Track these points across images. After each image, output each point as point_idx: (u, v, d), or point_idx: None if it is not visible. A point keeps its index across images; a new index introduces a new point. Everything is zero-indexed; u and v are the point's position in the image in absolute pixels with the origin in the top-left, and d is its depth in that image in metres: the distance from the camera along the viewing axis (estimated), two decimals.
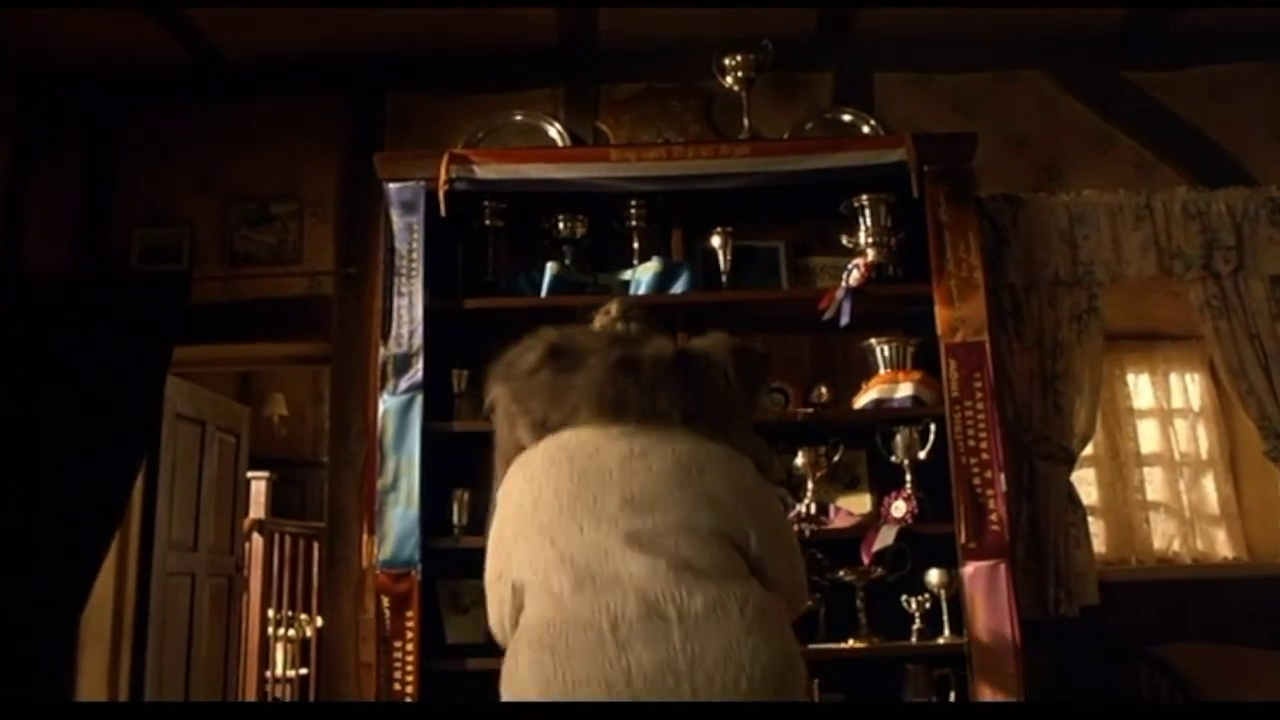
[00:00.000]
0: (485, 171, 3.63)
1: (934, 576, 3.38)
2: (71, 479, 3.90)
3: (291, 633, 6.47)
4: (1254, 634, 3.85)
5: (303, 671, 6.47)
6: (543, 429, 2.00)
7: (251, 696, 5.99)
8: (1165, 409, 5.01)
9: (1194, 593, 4.14)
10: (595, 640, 1.70)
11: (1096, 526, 4.61)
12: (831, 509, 3.58)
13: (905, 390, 3.57)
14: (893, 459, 3.57)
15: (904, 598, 3.41)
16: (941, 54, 4.25)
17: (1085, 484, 4.57)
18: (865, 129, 4.16)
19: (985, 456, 3.38)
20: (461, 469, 3.51)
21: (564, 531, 1.83)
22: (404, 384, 3.47)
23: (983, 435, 3.40)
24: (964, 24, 4.16)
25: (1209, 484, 4.89)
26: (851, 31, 4.25)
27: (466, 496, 3.51)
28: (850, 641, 3.40)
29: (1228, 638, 3.86)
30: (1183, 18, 4.16)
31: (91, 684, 4.26)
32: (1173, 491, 4.87)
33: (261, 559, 6.24)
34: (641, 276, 3.71)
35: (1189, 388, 5.04)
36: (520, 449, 2.03)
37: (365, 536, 3.63)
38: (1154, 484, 4.89)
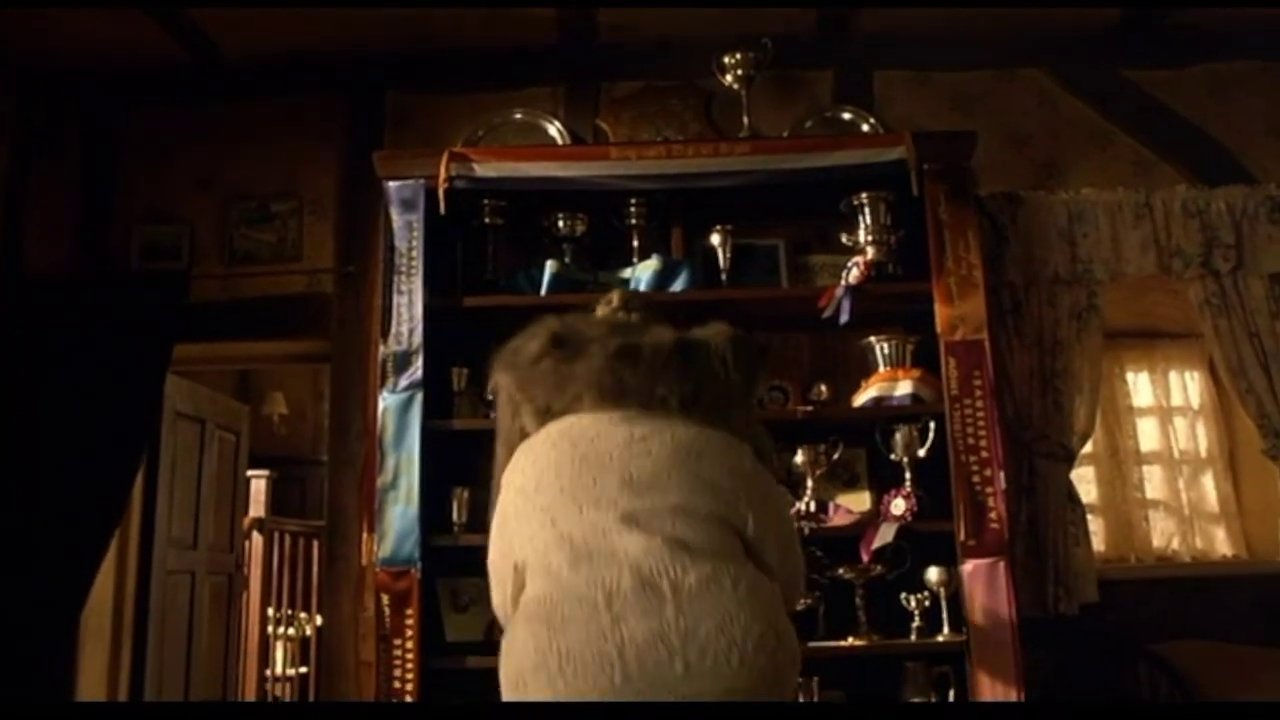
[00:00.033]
0: (485, 170, 3.63)
1: (933, 574, 3.39)
2: (71, 477, 3.90)
3: (291, 631, 6.47)
4: (1253, 632, 3.86)
5: (302, 670, 6.47)
6: (546, 416, 2.04)
7: (251, 695, 6.00)
8: (1164, 407, 5.02)
9: (1193, 591, 4.15)
10: (589, 613, 1.73)
11: (1096, 524, 4.62)
12: (831, 507, 3.59)
13: (905, 388, 3.57)
14: (892, 457, 3.57)
15: (903, 595, 3.41)
16: (941, 52, 4.25)
17: (1085, 482, 4.58)
18: (865, 127, 4.16)
19: (985, 454, 3.38)
20: (461, 467, 3.51)
21: (564, 512, 1.86)
22: (404, 382, 3.47)
23: (982, 433, 3.40)
24: (964, 22, 4.16)
25: (1208, 482, 4.90)
26: (851, 30, 4.25)
27: (466, 494, 3.50)
28: (850, 639, 3.41)
29: (1227, 636, 3.86)
30: (1182, 16, 4.16)
31: (91, 682, 4.26)
32: (1172, 489, 4.88)
33: (261, 557, 6.24)
34: (641, 274, 3.71)
35: (1188, 386, 5.05)
36: (524, 436, 2.06)
37: (365, 534, 3.63)
38: (1153, 482, 4.90)
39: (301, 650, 6.48)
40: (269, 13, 3.98)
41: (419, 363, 3.49)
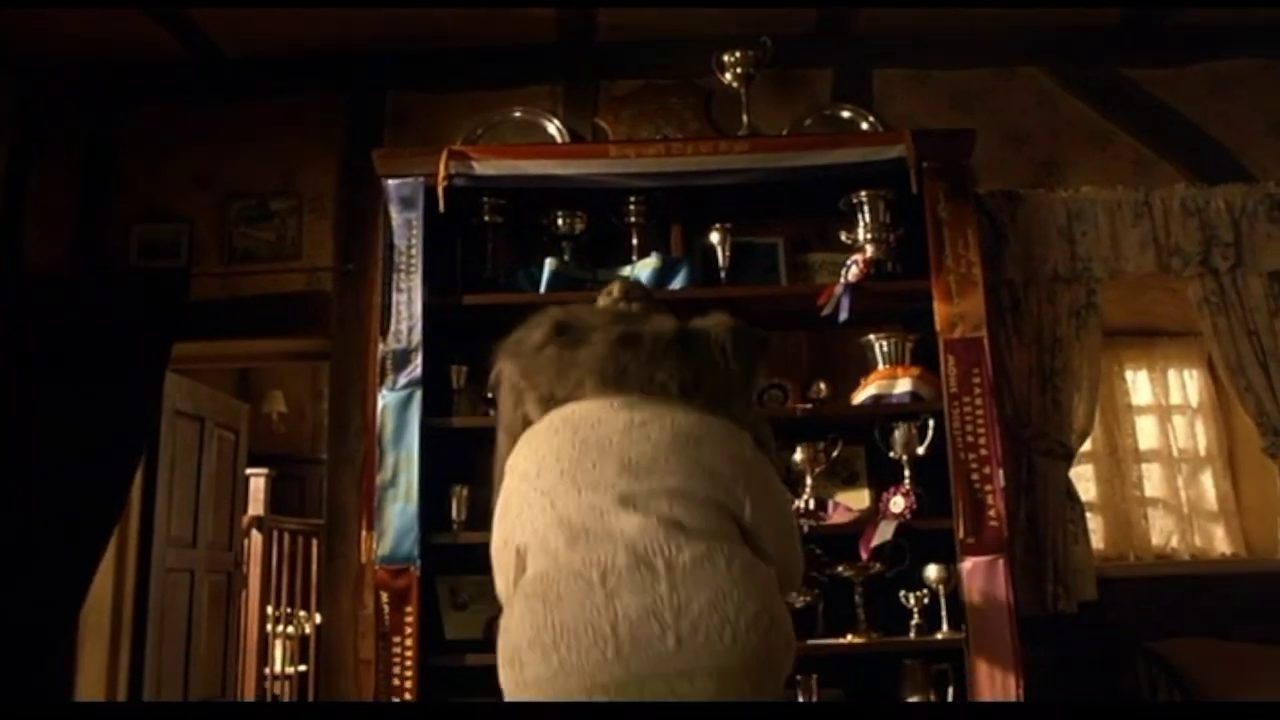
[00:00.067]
0: (484, 167, 3.63)
1: (932, 572, 3.39)
2: (70, 475, 3.90)
3: (290, 630, 6.47)
4: (1252, 630, 3.86)
5: (301, 668, 6.47)
6: (549, 403, 2.07)
7: (250, 693, 5.99)
8: (1164, 405, 5.02)
9: (1192, 589, 4.15)
10: (584, 589, 1.76)
11: (1095, 522, 4.62)
12: (830, 504, 3.59)
13: (904, 386, 3.57)
14: (891, 455, 3.57)
15: (902, 593, 3.41)
16: (940, 50, 4.26)
17: (1084, 480, 4.58)
18: (864, 125, 4.16)
19: (984, 452, 3.38)
20: (460, 464, 3.50)
21: (563, 495, 1.89)
22: (403, 380, 3.47)
23: (981, 431, 3.40)
24: (963, 21, 4.16)
25: (1207, 480, 4.90)
26: (851, 28, 4.25)
27: (465, 492, 3.50)
28: (849, 637, 3.41)
29: (1226, 633, 3.86)
30: (1182, 14, 4.16)
31: (90, 680, 4.26)
32: (1171, 487, 4.88)
33: (260, 556, 6.24)
34: (640, 272, 3.71)
35: (1187, 384, 5.05)
36: (526, 424, 2.09)
37: (364, 532, 3.64)
38: (1152, 480, 4.90)
39: (301, 648, 6.48)
40: (269, 11, 3.99)
41: (418, 360, 3.49)
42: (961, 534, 3.32)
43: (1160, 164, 4.19)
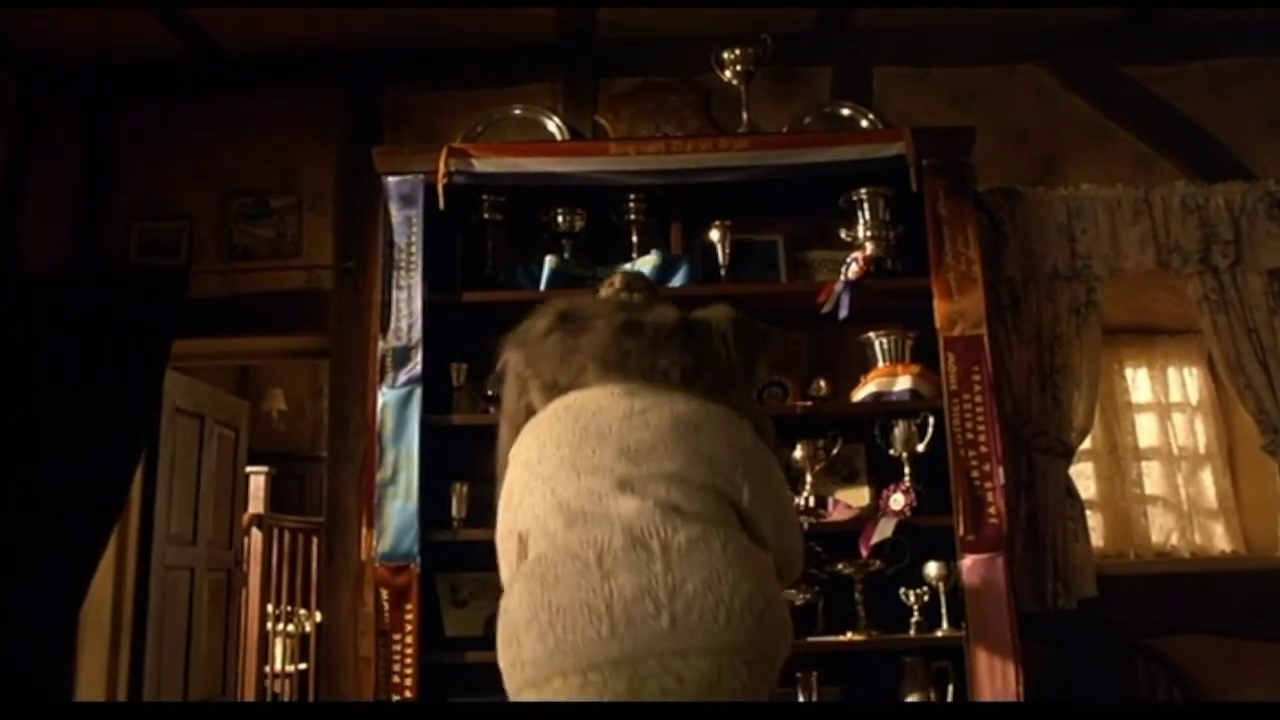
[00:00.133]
0: (484, 165, 3.63)
1: (932, 569, 3.39)
2: (70, 472, 3.89)
3: (290, 628, 6.47)
4: (1251, 627, 3.85)
5: (301, 666, 6.47)
6: (552, 391, 2.10)
7: (250, 691, 5.99)
8: (1163, 403, 5.01)
9: (1192, 586, 4.14)
10: (581, 569, 1.78)
11: (1094, 520, 4.61)
12: (830, 502, 3.59)
13: (904, 383, 3.57)
14: (891, 452, 3.58)
15: (902, 591, 3.42)
16: (940, 48, 4.26)
17: (1083, 477, 4.57)
18: (864, 123, 4.16)
19: (984, 450, 3.39)
20: (460, 462, 3.51)
21: (563, 480, 1.92)
22: (403, 377, 3.47)
23: (981, 428, 3.40)
24: (962, 19, 4.16)
25: (1207, 478, 4.89)
26: (850, 26, 4.25)
27: (465, 489, 3.51)
28: (848, 634, 3.41)
29: (1225, 631, 3.86)
30: (1181, 12, 4.16)
31: (90, 678, 4.26)
32: (1170, 485, 4.87)
33: (260, 554, 6.24)
34: (640, 269, 3.71)
35: (1187, 382, 5.04)
36: (530, 413, 2.12)
37: (364, 530, 3.63)
38: (1152, 478, 4.89)
39: (301, 646, 6.48)
40: (268, 8, 3.97)
41: (418, 358, 3.49)
42: (961, 531, 3.32)
43: (1160, 161, 4.19)
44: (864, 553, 3.41)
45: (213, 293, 4.17)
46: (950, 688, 3.37)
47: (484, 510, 3.40)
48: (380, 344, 3.52)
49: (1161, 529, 4.82)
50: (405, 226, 3.59)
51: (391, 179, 3.64)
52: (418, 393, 3.46)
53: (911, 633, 3.41)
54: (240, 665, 5.79)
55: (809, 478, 3.56)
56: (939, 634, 3.39)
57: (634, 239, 3.86)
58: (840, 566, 3.44)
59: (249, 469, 5.85)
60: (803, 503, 3.50)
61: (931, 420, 3.51)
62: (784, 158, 3.64)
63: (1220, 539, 4.80)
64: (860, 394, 3.64)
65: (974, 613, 3.26)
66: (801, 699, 3.34)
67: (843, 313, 3.56)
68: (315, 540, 6.41)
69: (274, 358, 6.07)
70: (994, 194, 3.99)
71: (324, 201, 4.25)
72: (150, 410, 4.29)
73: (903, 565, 3.48)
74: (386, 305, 3.54)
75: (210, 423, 4.98)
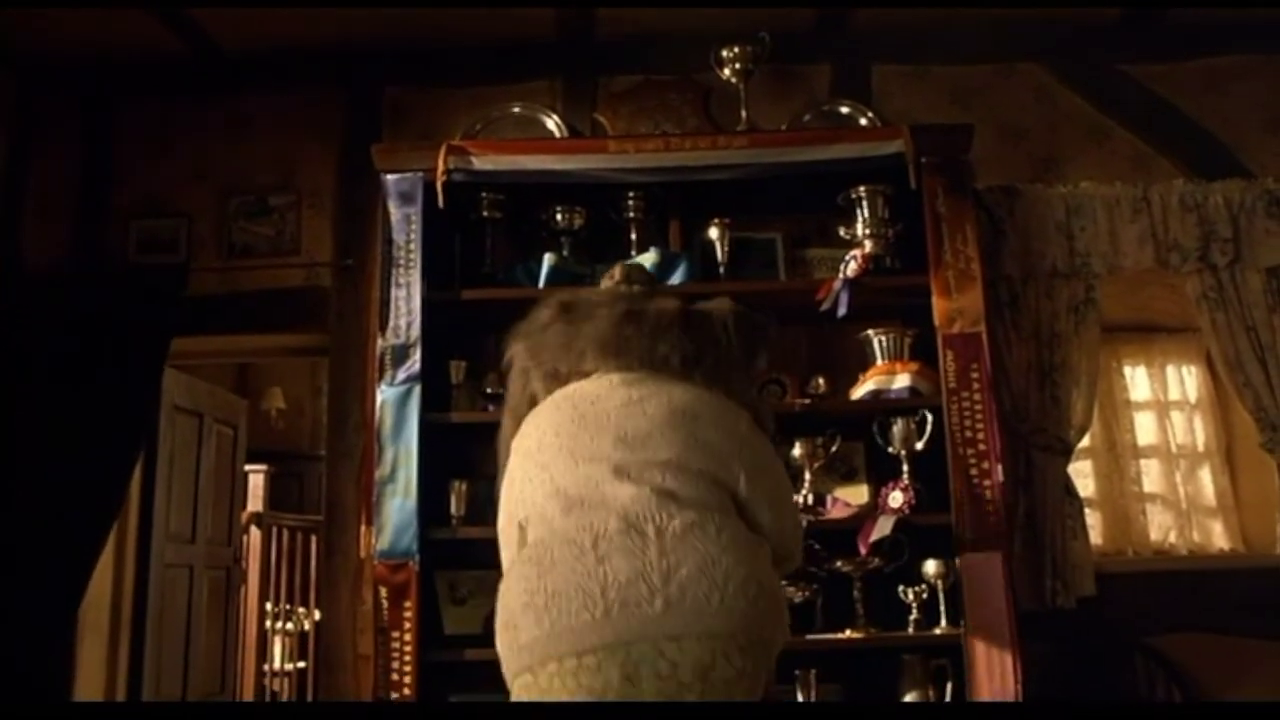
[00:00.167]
0: (483, 163, 3.63)
1: (931, 567, 3.39)
2: (69, 470, 3.90)
3: (289, 626, 6.47)
4: (1250, 625, 3.85)
5: (300, 665, 6.47)
6: (553, 380, 2.13)
7: (249, 689, 6.00)
8: (1162, 401, 5.02)
9: (1190, 584, 4.14)
10: (577, 554, 1.80)
11: (1093, 518, 4.62)
12: (829, 500, 3.59)
13: (902, 381, 3.57)
14: (890, 450, 3.58)
15: (901, 588, 3.42)
16: (939, 46, 4.26)
17: (1082, 475, 4.57)
18: (863, 121, 4.16)
19: (982, 447, 3.39)
20: (459, 460, 3.51)
21: (561, 467, 1.94)
22: (402, 375, 3.47)
23: (980, 426, 3.40)
24: (961, 17, 4.16)
25: (1205, 476, 4.90)
26: (849, 24, 4.24)
27: (464, 487, 3.51)
28: (847, 632, 3.41)
29: (1224, 629, 3.86)
30: (1180, 11, 4.16)
31: (89, 676, 4.26)
32: (1169, 483, 4.88)
33: (259, 552, 6.24)
34: (640, 263, 3.70)
35: (1186, 380, 5.05)
36: (533, 403, 2.14)
37: (363, 527, 3.63)
38: (1150, 476, 4.90)
39: (300, 645, 6.49)
40: (268, 8, 3.97)
41: (417, 356, 3.49)
42: (960, 529, 3.32)
43: (1158, 159, 4.20)
44: (863, 550, 3.40)
45: (212, 291, 4.18)
46: (949, 686, 3.37)
47: (483, 508, 3.42)
48: (379, 342, 3.52)
49: (1160, 527, 4.83)
50: (404, 224, 3.59)
51: (390, 177, 3.64)
52: (416, 390, 3.46)
53: (910, 630, 3.41)
54: (239, 663, 5.79)
55: (808, 475, 3.56)
56: (938, 632, 3.39)
57: (633, 237, 3.86)
58: (839, 564, 3.44)
59: (248, 467, 5.85)
60: (801, 501, 3.50)
61: (930, 418, 3.51)
62: (783, 155, 3.65)
63: (1219, 537, 4.81)
64: (859, 392, 3.65)
65: (973, 610, 3.26)
66: (800, 697, 3.34)
67: (841, 310, 3.56)
68: (314, 538, 6.41)
69: (273, 356, 6.07)
70: (993, 192, 3.99)
71: (323, 199, 4.25)
72: (149, 408, 4.30)
73: (901, 563, 3.48)
74: (385, 303, 3.54)
75: (209, 421, 4.98)
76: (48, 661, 3.99)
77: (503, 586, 1.89)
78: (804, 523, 3.35)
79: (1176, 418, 5.00)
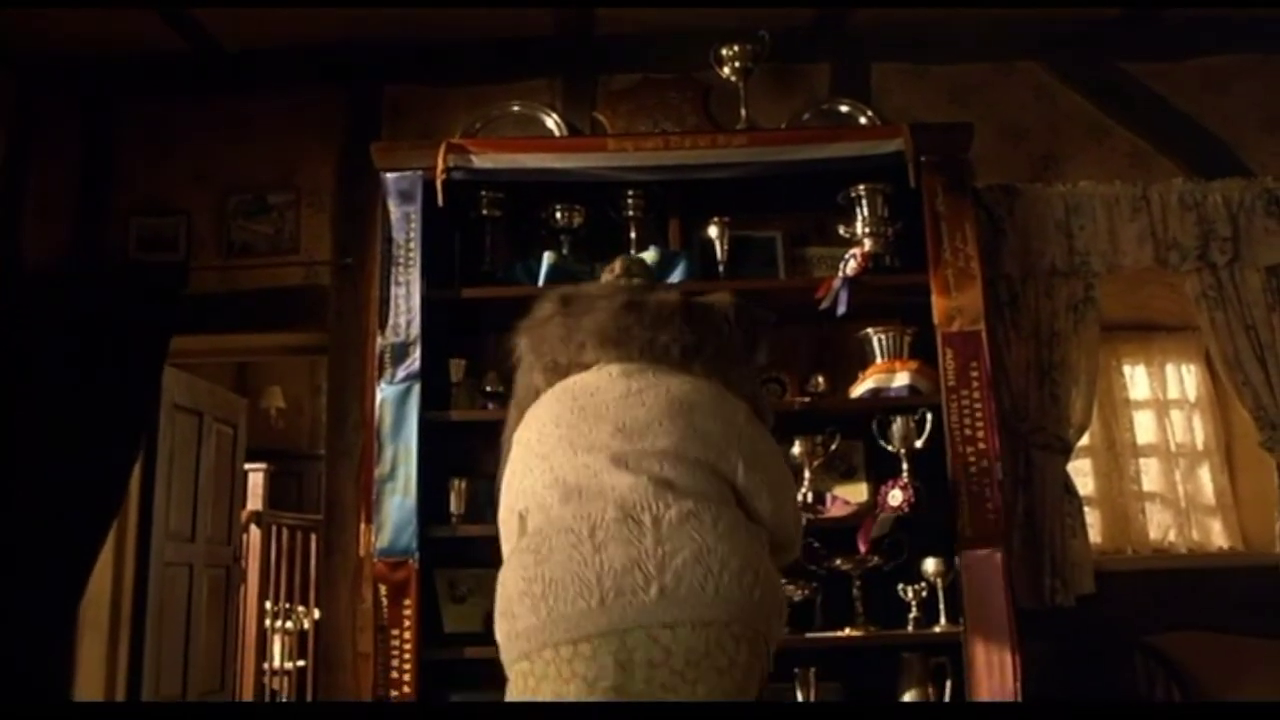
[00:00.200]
0: (482, 161, 3.63)
1: (930, 565, 3.39)
2: (69, 469, 3.90)
3: (289, 624, 6.47)
4: (1249, 623, 3.86)
5: (300, 663, 6.48)
6: (554, 372, 2.15)
7: (249, 688, 5.99)
8: (1161, 400, 5.02)
9: (1189, 583, 4.14)
10: (574, 543, 1.82)
11: (1092, 516, 4.62)
12: (828, 498, 3.59)
13: (902, 380, 3.57)
14: (889, 448, 3.58)
15: (900, 587, 3.42)
16: (938, 45, 4.26)
17: (1081, 474, 4.57)
18: (862, 119, 4.16)
19: (982, 446, 3.39)
20: (459, 458, 3.52)
21: (560, 457, 1.96)
22: (401, 373, 3.47)
23: (979, 425, 3.40)
24: (961, 16, 4.16)
25: (1204, 474, 4.90)
26: (849, 23, 4.24)
27: (464, 485, 3.51)
28: (846, 630, 3.41)
29: (1223, 627, 3.86)
30: (1179, 10, 4.16)
31: (89, 674, 4.26)
32: (1168, 482, 4.88)
33: (259, 550, 6.24)
34: (640, 257, 3.70)
35: (1185, 378, 5.05)
36: (535, 396, 2.16)
37: (363, 526, 3.63)
38: (1150, 474, 4.89)
39: (299, 643, 6.49)
40: (268, 7, 3.97)
41: (416, 354, 3.49)
42: (959, 527, 3.32)
43: (1158, 158, 4.20)
44: (862, 548, 3.40)
45: (211, 289, 4.18)
46: (948, 684, 3.37)
47: (482, 506, 3.42)
48: (379, 340, 3.52)
49: (1159, 525, 4.83)
50: (404, 223, 3.59)
51: (390, 175, 3.64)
52: (416, 389, 3.46)
53: (910, 629, 3.42)
54: (239, 662, 5.79)
55: (807, 473, 3.56)
56: (937, 630, 3.39)
57: (632, 235, 3.86)
58: (838, 562, 3.45)
59: (247, 466, 5.85)
60: (801, 499, 3.50)
61: (930, 416, 3.51)
62: (782, 154, 3.65)
63: (1218, 535, 4.81)
64: (858, 390, 3.65)
65: (972, 609, 3.26)
66: (800, 695, 3.34)
67: (841, 309, 3.56)
68: (314, 537, 6.41)
69: (272, 354, 6.06)
70: (992, 190, 3.99)
71: (323, 198, 4.25)
72: (149, 406, 4.30)
73: (901, 561, 3.48)
74: (385, 301, 3.54)
75: (209, 419, 4.98)
76: (48, 660, 3.99)
77: (502, 574, 1.91)
78: (803, 521, 3.38)
79: (1176, 416, 5.00)
